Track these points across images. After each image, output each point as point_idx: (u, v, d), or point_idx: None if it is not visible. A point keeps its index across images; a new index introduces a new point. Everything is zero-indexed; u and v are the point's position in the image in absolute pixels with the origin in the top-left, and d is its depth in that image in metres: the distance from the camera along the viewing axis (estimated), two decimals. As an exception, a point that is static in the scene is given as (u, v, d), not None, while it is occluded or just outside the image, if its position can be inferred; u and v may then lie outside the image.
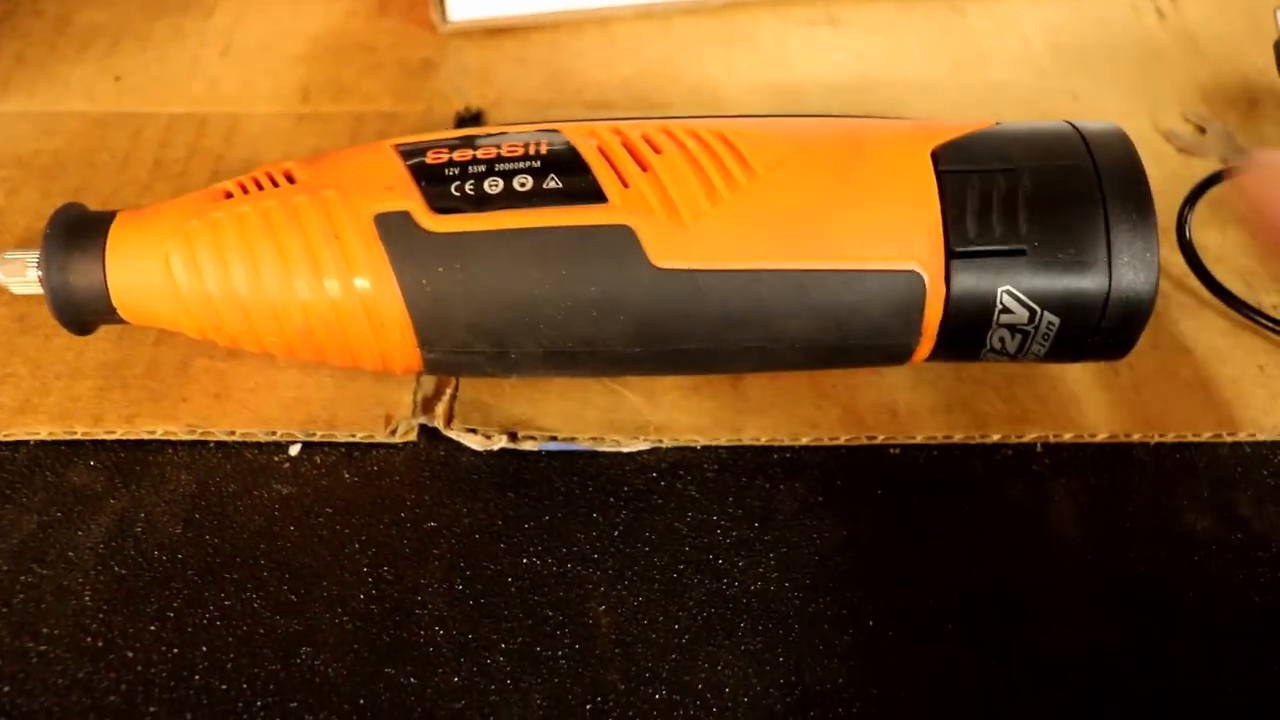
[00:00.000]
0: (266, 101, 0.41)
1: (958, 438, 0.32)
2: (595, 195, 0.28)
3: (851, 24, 0.44)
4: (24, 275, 0.30)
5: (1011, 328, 0.28)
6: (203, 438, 0.32)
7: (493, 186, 0.28)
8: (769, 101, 0.41)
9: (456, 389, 0.33)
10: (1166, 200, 0.33)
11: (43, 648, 0.28)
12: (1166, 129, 0.41)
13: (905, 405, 0.32)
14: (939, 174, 0.28)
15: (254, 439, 0.32)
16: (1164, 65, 0.43)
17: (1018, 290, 0.28)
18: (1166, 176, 0.37)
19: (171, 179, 0.38)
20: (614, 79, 0.42)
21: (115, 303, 0.30)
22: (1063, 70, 0.43)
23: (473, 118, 0.40)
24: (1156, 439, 0.32)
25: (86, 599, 0.29)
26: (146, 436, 0.32)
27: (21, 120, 0.40)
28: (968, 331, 0.29)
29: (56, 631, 0.28)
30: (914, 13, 0.45)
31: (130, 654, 0.28)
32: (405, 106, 0.41)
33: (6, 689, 0.27)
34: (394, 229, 0.28)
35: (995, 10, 0.45)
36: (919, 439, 0.32)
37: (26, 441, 0.32)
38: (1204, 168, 0.38)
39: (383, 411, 0.32)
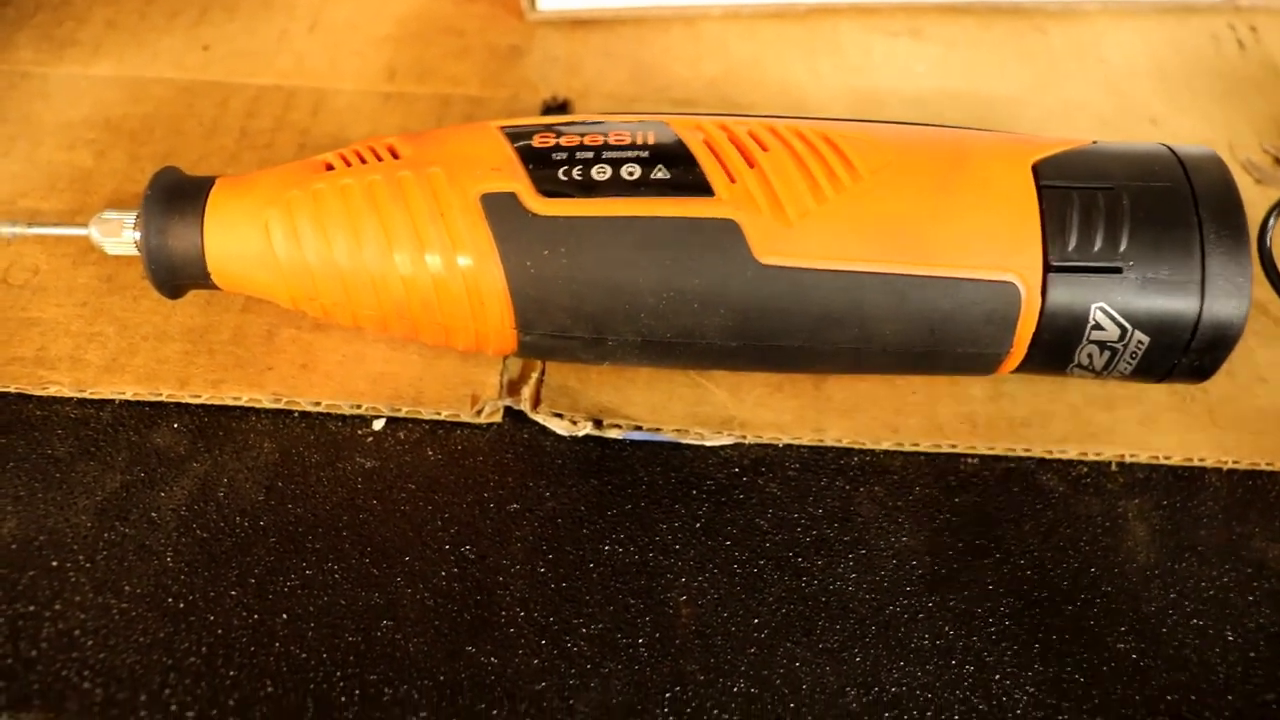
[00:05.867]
0: (353, 79, 0.41)
1: (1035, 451, 0.32)
2: (702, 188, 0.28)
3: (933, 36, 0.44)
4: (119, 236, 0.30)
5: (1101, 344, 0.29)
6: (287, 407, 0.32)
7: (600, 173, 0.28)
8: (850, 108, 0.41)
9: (544, 373, 0.33)
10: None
11: (125, 605, 0.28)
12: (1244, 159, 0.41)
13: (985, 416, 0.32)
14: (1040, 188, 0.28)
15: (338, 411, 0.32)
16: (1243, 96, 0.43)
17: (1111, 308, 0.28)
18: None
19: (258, 149, 0.38)
20: (699, 78, 0.42)
21: (210, 268, 0.30)
22: (1141, 94, 0.43)
23: (559, 107, 0.40)
24: (1230, 465, 0.32)
25: (168, 560, 0.29)
26: (231, 402, 0.32)
27: (111, 85, 0.40)
28: (1058, 345, 0.29)
29: (139, 590, 0.29)
30: (995, 28, 0.45)
31: (211, 617, 0.28)
32: (491, 92, 0.41)
33: (90, 643, 0.28)
34: (500, 210, 0.28)
35: (1076, 31, 0.45)
36: (997, 450, 0.32)
37: (112, 400, 0.32)
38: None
39: (469, 391, 0.32)
